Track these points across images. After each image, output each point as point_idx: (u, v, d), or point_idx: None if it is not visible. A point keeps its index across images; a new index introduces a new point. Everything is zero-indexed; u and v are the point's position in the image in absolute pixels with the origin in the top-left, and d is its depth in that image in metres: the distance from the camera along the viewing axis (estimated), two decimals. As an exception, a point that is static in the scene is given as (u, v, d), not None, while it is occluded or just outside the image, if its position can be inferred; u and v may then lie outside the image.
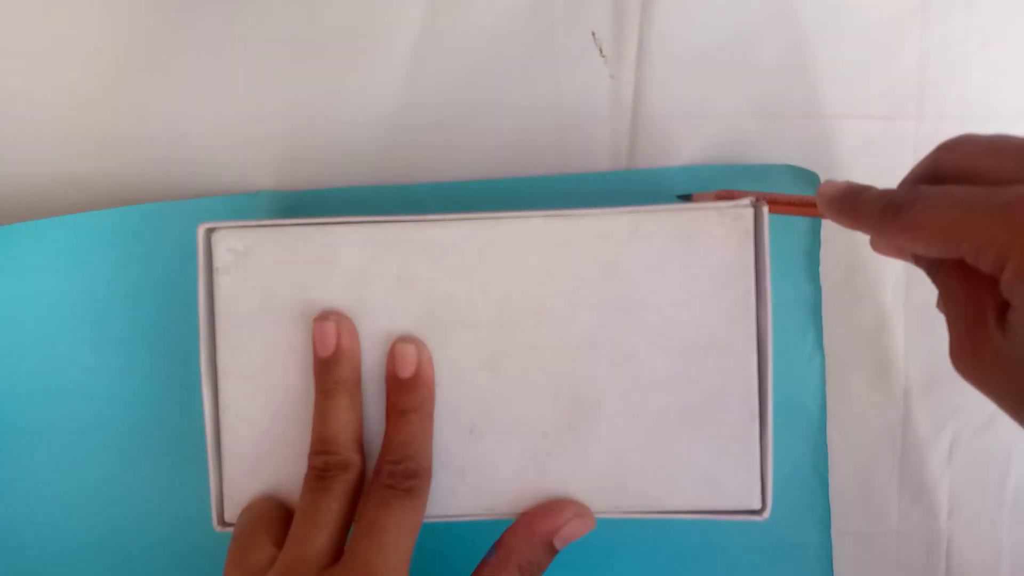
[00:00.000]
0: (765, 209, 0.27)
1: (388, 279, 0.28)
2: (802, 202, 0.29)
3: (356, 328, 0.28)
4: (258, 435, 0.28)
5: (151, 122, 0.35)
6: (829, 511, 0.34)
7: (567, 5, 0.34)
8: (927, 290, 0.35)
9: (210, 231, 0.28)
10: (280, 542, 0.26)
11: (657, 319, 0.28)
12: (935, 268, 0.24)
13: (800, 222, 0.34)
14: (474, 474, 0.28)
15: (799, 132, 0.35)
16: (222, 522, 0.29)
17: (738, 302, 0.28)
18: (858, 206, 0.25)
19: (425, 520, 0.27)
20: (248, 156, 0.35)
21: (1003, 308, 0.21)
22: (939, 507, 0.35)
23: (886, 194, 0.24)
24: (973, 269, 0.21)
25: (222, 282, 0.28)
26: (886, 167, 0.35)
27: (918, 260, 0.25)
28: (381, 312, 0.28)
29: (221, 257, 0.28)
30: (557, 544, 0.27)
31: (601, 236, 0.28)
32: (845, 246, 0.35)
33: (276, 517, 0.27)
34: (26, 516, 0.34)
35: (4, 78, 0.35)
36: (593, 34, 0.34)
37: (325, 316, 0.28)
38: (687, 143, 0.35)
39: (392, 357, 0.28)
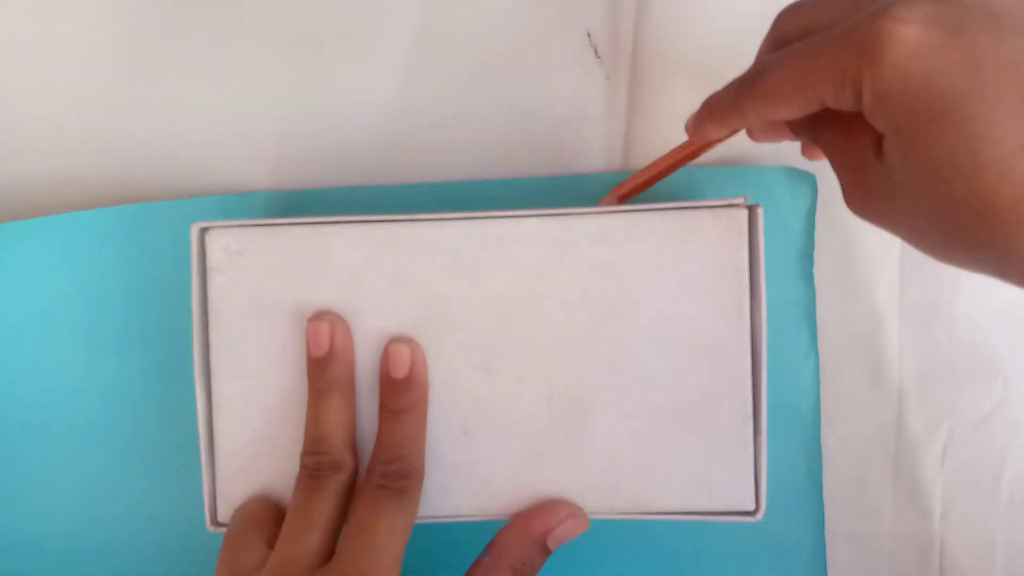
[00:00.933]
0: (760, 211, 0.28)
1: (382, 279, 0.28)
2: (675, 153, 0.30)
3: (350, 328, 0.28)
4: (251, 435, 0.28)
5: (146, 121, 0.35)
6: (823, 512, 0.34)
7: (563, 6, 0.34)
8: (922, 290, 0.35)
9: (204, 230, 0.28)
10: (272, 542, 0.26)
11: (651, 320, 0.28)
12: (815, 131, 0.24)
13: (794, 222, 0.34)
14: (468, 474, 0.28)
15: (793, 133, 0.35)
16: (215, 522, 0.29)
17: (732, 303, 0.28)
18: (714, 104, 0.25)
19: (419, 520, 0.27)
20: (242, 155, 0.35)
21: (879, 140, 0.21)
22: (933, 508, 0.35)
23: (736, 78, 0.24)
24: (844, 115, 0.22)
25: (216, 282, 0.28)
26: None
27: (797, 132, 0.25)
28: (375, 312, 0.28)
29: (215, 257, 0.28)
30: (550, 544, 0.27)
31: (596, 237, 0.28)
32: (840, 247, 0.35)
33: (269, 517, 0.27)
34: (17, 515, 0.34)
35: (-1, 77, 0.35)
36: (588, 35, 0.35)
37: (319, 316, 0.28)
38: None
39: (386, 357, 0.28)
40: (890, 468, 0.35)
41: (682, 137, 0.35)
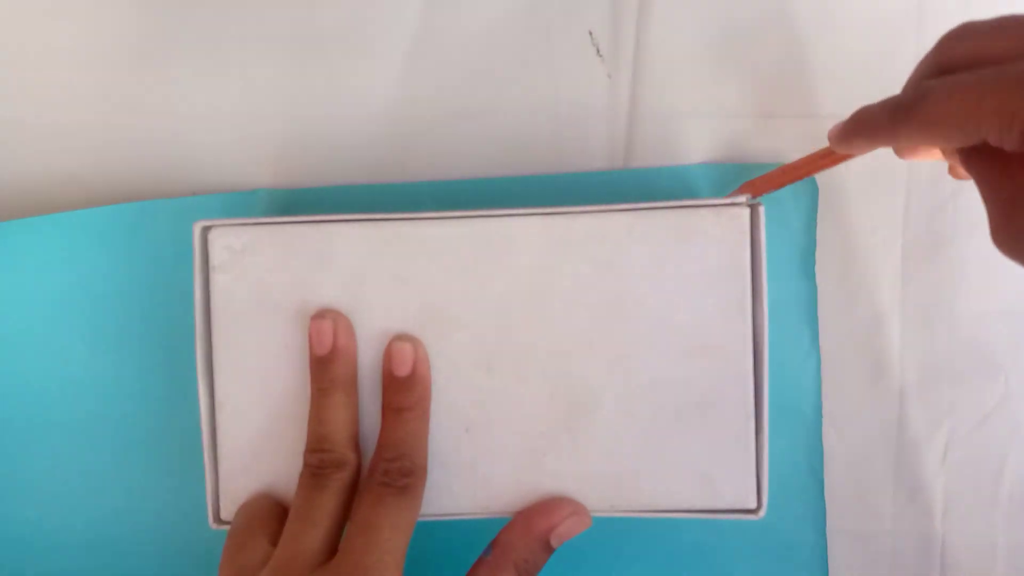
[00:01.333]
0: (761, 209, 0.28)
1: (384, 277, 0.28)
2: (814, 159, 0.29)
3: (353, 326, 0.28)
4: (254, 433, 0.28)
5: (148, 119, 0.35)
6: (824, 510, 0.34)
7: (564, 4, 0.34)
8: (924, 289, 0.35)
9: (206, 229, 0.28)
10: (276, 540, 0.26)
11: (653, 318, 0.28)
12: (968, 160, 0.23)
13: (796, 221, 0.34)
14: (470, 473, 0.28)
15: (795, 132, 0.35)
16: (218, 520, 0.29)
17: (734, 301, 0.28)
18: (866, 122, 0.25)
19: (422, 519, 0.27)
20: (245, 154, 0.35)
21: None
22: (934, 506, 0.35)
23: (892, 98, 0.24)
24: (1003, 151, 0.21)
25: (218, 280, 0.28)
26: (881, 167, 0.35)
27: (948, 156, 0.25)
28: (377, 310, 0.28)
29: (217, 255, 0.28)
30: (553, 542, 0.27)
31: (597, 235, 0.28)
32: (841, 245, 0.35)
33: (272, 515, 0.27)
34: (20, 512, 0.34)
35: (1, 76, 0.35)
36: (590, 33, 0.35)
37: (322, 314, 0.28)
38: (684, 143, 0.35)
39: (388, 355, 0.28)
40: (891, 466, 0.35)
41: (681, 136, 0.35)
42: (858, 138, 0.26)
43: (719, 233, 0.28)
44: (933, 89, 0.22)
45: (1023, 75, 0.20)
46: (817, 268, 0.34)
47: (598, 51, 0.35)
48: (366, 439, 0.28)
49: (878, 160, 0.35)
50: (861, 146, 0.26)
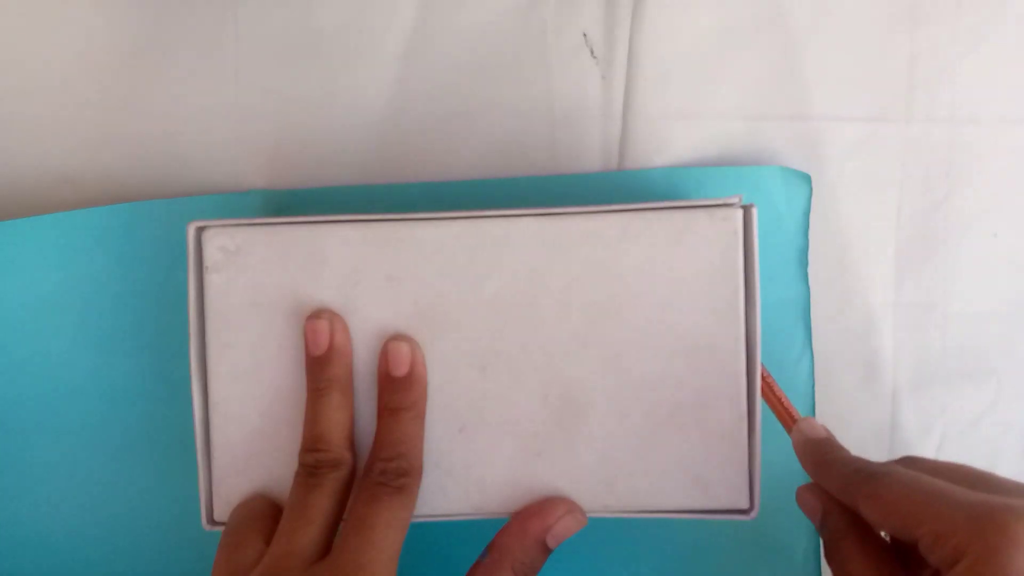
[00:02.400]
0: (754, 210, 0.28)
1: (378, 278, 0.28)
2: (784, 411, 0.30)
3: (348, 326, 0.28)
4: (248, 434, 0.28)
5: (142, 120, 0.35)
6: (817, 511, 0.34)
7: (559, 6, 0.34)
8: (916, 290, 0.35)
9: (200, 229, 0.28)
10: (270, 540, 0.26)
11: (646, 319, 0.28)
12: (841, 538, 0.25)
13: (789, 222, 0.34)
14: (464, 473, 0.28)
15: (789, 133, 0.35)
16: (211, 521, 0.29)
17: (727, 302, 0.28)
18: (832, 460, 0.26)
19: (416, 520, 0.27)
20: (239, 155, 0.35)
21: None
22: (926, 507, 0.35)
23: (861, 459, 0.25)
24: (914, 554, 0.22)
25: (212, 281, 0.28)
26: (875, 168, 0.35)
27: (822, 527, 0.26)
28: (371, 311, 0.28)
29: (211, 256, 0.28)
30: (550, 543, 0.27)
31: (591, 236, 0.28)
32: (834, 247, 0.35)
33: (267, 515, 0.27)
34: (14, 514, 0.34)
35: (-5, 76, 0.35)
36: (584, 35, 0.35)
37: (318, 314, 0.28)
38: (678, 144, 0.35)
39: (385, 356, 0.28)
40: (884, 467, 0.35)
41: (674, 137, 0.35)
42: (815, 463, 0.27)
43: (712, 234, 0.28)
44: (897, 472, 0.24)
45: (984, 503, 0.21)
46: (810, 269, 0.34)
47: (592, 53, 0.35)
48: (361, 439, 0.28)
49: (871, 161, 0.35)
50: (810, 466, 0.27)
